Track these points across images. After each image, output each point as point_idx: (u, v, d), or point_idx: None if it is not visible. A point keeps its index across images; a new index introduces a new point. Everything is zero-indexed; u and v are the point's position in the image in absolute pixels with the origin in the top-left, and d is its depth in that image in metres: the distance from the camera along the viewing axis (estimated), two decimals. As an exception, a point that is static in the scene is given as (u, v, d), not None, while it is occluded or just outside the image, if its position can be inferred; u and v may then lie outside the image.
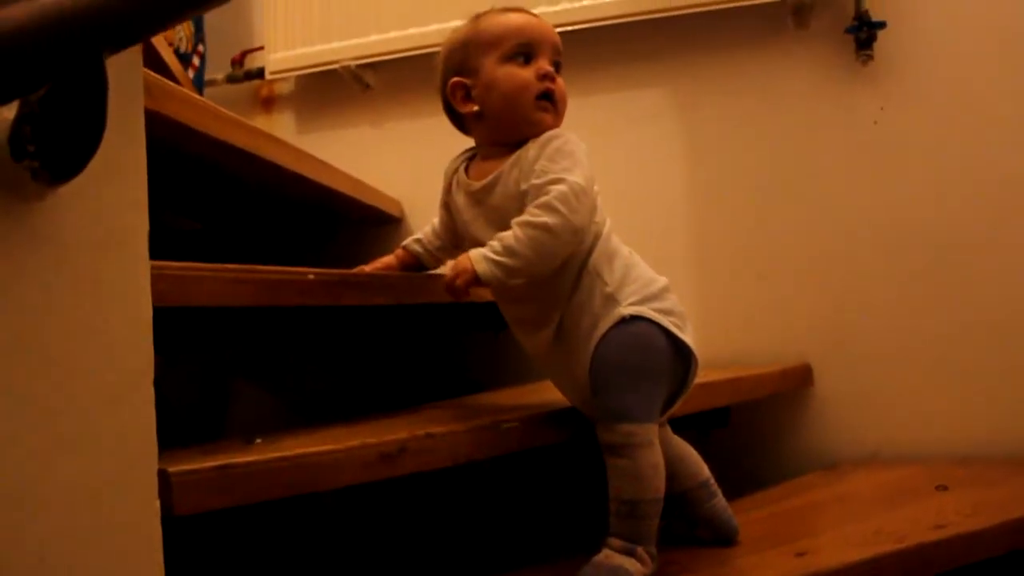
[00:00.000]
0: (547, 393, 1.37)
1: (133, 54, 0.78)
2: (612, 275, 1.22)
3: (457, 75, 1.29)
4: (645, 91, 2.09)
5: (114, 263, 0.76)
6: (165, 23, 0.70)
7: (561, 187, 1.16)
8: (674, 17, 1.98)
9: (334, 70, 2.25)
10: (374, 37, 2.19)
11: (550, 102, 1.27)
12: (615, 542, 1.15)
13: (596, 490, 1.22)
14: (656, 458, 1.17)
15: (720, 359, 1.88)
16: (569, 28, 2.01)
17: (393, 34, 2.16)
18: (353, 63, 2.22)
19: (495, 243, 1.16)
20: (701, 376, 1.61)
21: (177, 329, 1.14)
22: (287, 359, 1.39)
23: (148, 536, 0.79)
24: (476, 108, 1.27)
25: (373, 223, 2.15)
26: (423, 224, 1.48)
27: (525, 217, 1.16)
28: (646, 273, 1.25)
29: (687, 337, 1.22)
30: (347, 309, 1.34)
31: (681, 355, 1.23)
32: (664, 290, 1.24)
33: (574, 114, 2.14)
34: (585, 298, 1.22)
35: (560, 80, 1.30)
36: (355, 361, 1.50)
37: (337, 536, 1.15)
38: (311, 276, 1.17)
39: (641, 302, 1.21)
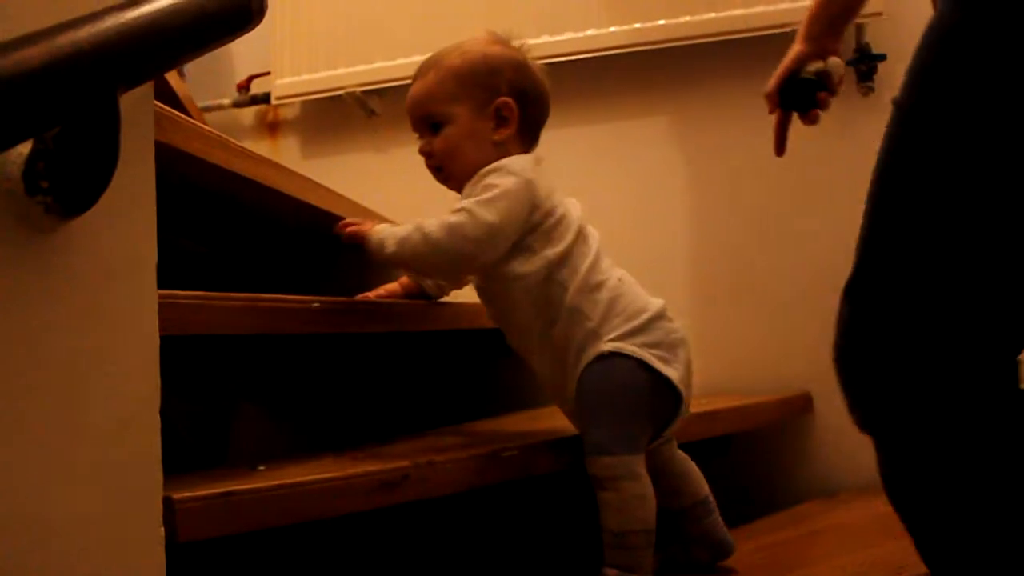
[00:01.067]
0: (552, 419, 1.38)
1: (145, 89, 0.79)
2: (595, 309, 1.22)
3: None
4: (646, 120, 2.11)
5: (123, 293, 0.77)
6: (177, 61, 0.71)
7: (461, 216, 1.19)
8: (676, 48, 2.00)
9: (339, 96, 2.27)
10: (379, 64, 2.22)
11: (436, 172, 1.32)
12: (611, 572, 1.16)
13: (596, 517, 1.23)
14: (642, 489, 1.17)
15: (720, 388, 1.89)
16: (573, 57, 2.04)
17: (398, 61, 2.18)
18: (358, 89, 2.24)
19: (407, 227, 1.23)
20: (702, 405, 1.63)
21: (183, 356, 1.15)
22: (294, 385, 1.40)
23: (152, 563, 0.79)
24: None
25: (377, 248, 2.16)
26: (426, 250, 1.49)
27: (427, 224, 1.21)
28: (635, 302, 1.24)
29: (672, 369, 1.22)
30: (357, 335, 1.35)
31: (665, 387, 1.22)
32: (653, 319, 1.23)
33: (576, 142, 2.18)
34: (568, 333, 1.23)
35: (434, 142, 1.30)
36: (364, 387, 1.51)
37: (339, 563, 1.16)
38: (316, 304, 1.18)
39: (624, 336, 1.21)
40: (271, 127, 2.47)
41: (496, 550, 1.31)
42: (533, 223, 1.24)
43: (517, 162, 1.25)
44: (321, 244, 2.00)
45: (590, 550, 1.28)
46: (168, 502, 0.82)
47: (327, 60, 2.28)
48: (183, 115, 1.10)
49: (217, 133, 1.19)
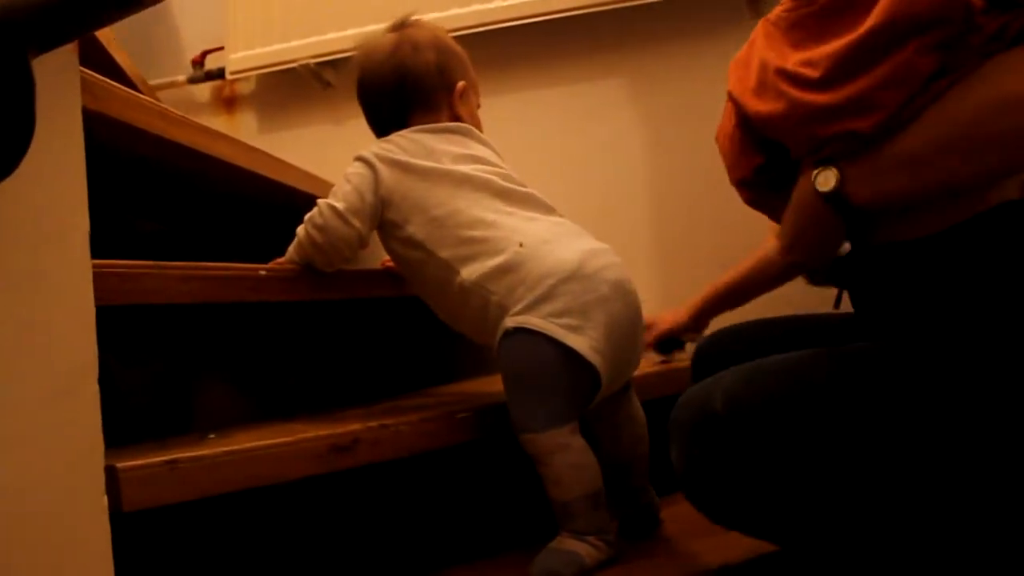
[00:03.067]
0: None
1: (68, 54, 0.79)
2: (498, 283, 1.19)
3: None
4: (603, 82, 2.10)
5: (53, 262, 0.77)
6: (94, 24, 0.70)
7: (314, 209, 1.28)
8: (631, 7, 2.00)
9: (294, 69, 2.25)
10: (332, 35, 2.20)
11: None
12: (565, 534, 1.15)
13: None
14: (574, 458, 1.15)
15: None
16: (528, 20, 2.03)
17: (351, 31, 2.17)
18: (312, 61, 2.23)
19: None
20: (664, 363, 1.64)
21: (139, 329, 1.14)
22: (259, 356, 1.39)
23: (96, 533, 0.79)
24: None
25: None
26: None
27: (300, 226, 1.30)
28: (537, 268, 1.17)
29: (582, 337, 1.15)
30: (321, 304, 1.35)
31: (577, 357, 1.15)
32: (561, 282, 1.16)
33: (535, 107, 2.17)
34: (478, 311, 1.21)
35: None
36: (328, 356, 1.51)
37: (295, 529, 1.16)
38: (262, 272, 1.17)
39: (527, 309, 1.16)
40: (227, 103, 2.45)
41: (455, 513, 1.31)
42: (382, 199, 1.27)
43: (367, 148, 1.32)
44: (278, 215, 1.99)
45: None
46: (111, 471, 0.82)
47: (281, 32, 2.26)
48: (120, 85, 1.08)
49: (155, 102, 1.18)
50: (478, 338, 1.28)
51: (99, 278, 0.81)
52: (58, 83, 0.77)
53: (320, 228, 1.26)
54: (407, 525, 1.25)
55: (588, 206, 1.99)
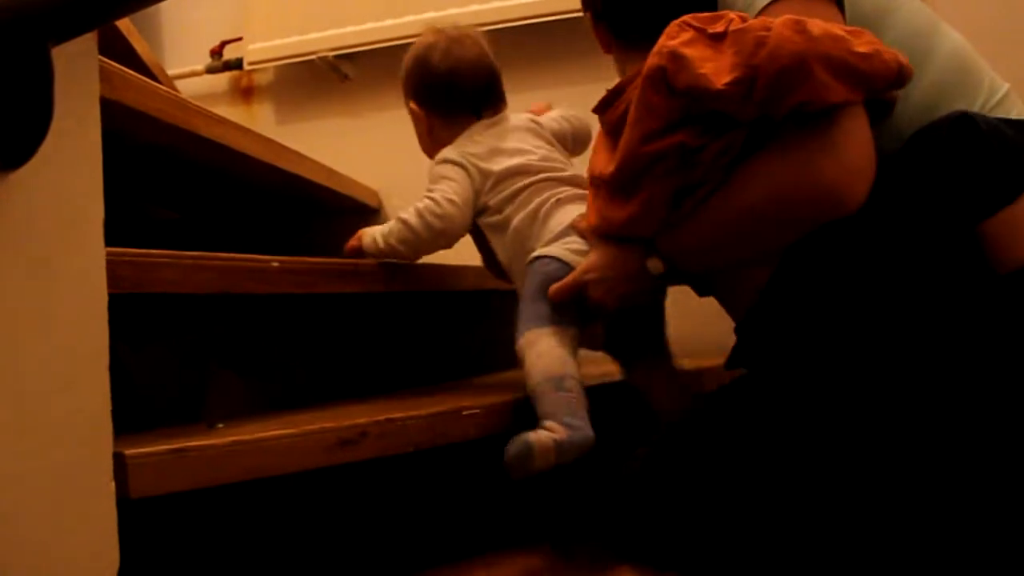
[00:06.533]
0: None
1: (87, 43, 0.79)
2: (530, 228, 1.39)
3: None
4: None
5: (67, 249, 0.77)
6: (111, 16, 0.71)
7: (426, 201, 1.40)
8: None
9: (312, 61, 2.26)
10: (351, 28, 2.20)
11: None
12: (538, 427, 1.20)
13: (565, 478, 1.24)
14: (541, 348, 1.25)
15: (697, 350, 1.88)
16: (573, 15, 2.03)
17: (369, 25, 2.17)
18: (331, 54, 2.23)
19: (390, 223, 1.44)
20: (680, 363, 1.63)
21: (150, 316, 1.15)
22: (272, 347, 1.40)
23: (103, 519, 0.80)
24: None
25: (351, 213, 2.16)
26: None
27: (403, 214, 1.42)
28: (563, 219, 1.37)
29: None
30: (332, 297, 1.36)
31: None
32: (570, 228, 1.35)
33: (574, 102, 2.17)
34: (522, 256, 1.39)
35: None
36: (344, 348, 1.51)
37: (301, 521, 1.16)
38: (275, 264, 1.18)
39: (548, 243, 1.35)
40: (245, 93, 2.46)
41: (463, 509, 1.31)
42: (476, 189, 1.42)
43: (447, 153, 1.44)
44: (293, 207, 2.00)
45: (558, 510, 1.29)
46: (119, 458, 0.82)
47: (299, 24, 2.27)
48: (137, 74, 1.09)
49: (172, 92, 1.18)
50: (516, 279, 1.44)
51: (113, 266, 0.81)
52: (76, 71, 0.77)
53: (440, 216, 1.39)
54: (410, 520, 1.25)
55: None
